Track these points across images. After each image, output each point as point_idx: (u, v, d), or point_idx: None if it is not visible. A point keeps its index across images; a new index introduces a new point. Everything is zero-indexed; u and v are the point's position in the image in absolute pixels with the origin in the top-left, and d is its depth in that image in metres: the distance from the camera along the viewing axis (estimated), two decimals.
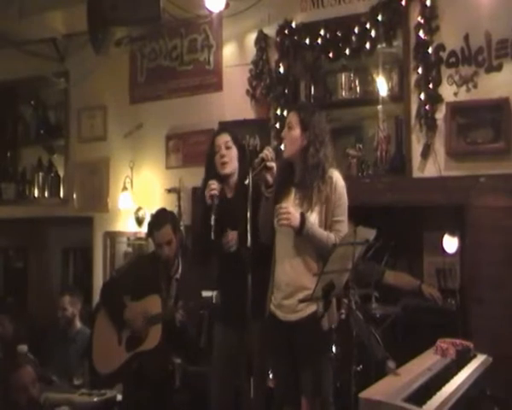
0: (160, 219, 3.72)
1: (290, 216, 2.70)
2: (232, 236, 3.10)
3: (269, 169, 2.82)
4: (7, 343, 4.44)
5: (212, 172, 3.20)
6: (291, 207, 2.74)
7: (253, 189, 2.78)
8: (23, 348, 4.11)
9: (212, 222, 2.96)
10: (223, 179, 3.18)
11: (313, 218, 2.75)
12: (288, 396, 2.90)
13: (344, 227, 2.77)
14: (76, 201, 5.63)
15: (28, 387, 3.26)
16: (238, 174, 3.22)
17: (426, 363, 2.84)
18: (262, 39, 4.64)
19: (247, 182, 2.79)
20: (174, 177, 4.99)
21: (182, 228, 4.43)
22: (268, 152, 2.83)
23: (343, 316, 2.90)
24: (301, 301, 2.68)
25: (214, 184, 3.06)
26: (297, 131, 2.85)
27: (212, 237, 2.94)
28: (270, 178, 2.84)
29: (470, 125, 3.92)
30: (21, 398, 3.25)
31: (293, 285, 2.79)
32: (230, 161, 3.18)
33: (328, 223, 2.77)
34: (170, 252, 3.64)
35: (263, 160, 2.80)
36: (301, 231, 2.71)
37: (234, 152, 3.21)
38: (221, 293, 3.18)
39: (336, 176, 2.82)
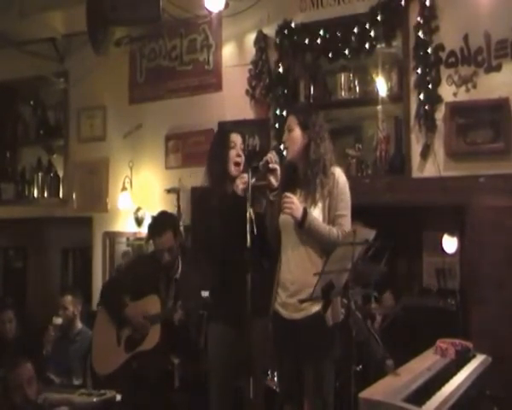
0: (162, 225, 3.69)
1: (294, 206, 2.74)
2: (245, 179, 2.89)
3: (273, 171, 2.86)
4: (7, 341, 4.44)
5: (221, 163, 3.04)
6: (296, 199, 2.78)
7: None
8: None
9: (253, 216, 2.77)
10: (230, 177, 3.02)
11: (316, 213, 2.79)
12: (291, 395, 2.90)
13: (347, 222, 2.80)
14: (75, 201, 5.63)
15: (23, 386, 3.25)
16: None
17: (425, 363, 2.84)
18: (261, 39, 4.64)
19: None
20: (173, 177, 5.00)
21: (181, 228, 4.43)
22: (272, 155, 2.87)
23: (342, 316, 2.90)
24: (301, 301, 2.68)
25: (246, 177, 2.87)
26: (297, 132, 2.89)
27: (255, 230, 2.76)
28: (274, 181, 2.87)
29: (470, 126, 3.93)
30: (17, 397, 3.23)
31: (299, 284, 2.80)
32: (242, 164, 3.06)
33: (331, 217, 2.80)
34: (170, 257, 3.65)
35: (267, 162, 2.84)
36: (303, 223, 2.74)
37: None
38: (221, 291, 3.13)
39: (338, 172, 2.87)
